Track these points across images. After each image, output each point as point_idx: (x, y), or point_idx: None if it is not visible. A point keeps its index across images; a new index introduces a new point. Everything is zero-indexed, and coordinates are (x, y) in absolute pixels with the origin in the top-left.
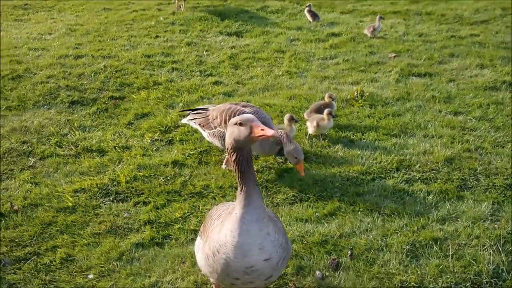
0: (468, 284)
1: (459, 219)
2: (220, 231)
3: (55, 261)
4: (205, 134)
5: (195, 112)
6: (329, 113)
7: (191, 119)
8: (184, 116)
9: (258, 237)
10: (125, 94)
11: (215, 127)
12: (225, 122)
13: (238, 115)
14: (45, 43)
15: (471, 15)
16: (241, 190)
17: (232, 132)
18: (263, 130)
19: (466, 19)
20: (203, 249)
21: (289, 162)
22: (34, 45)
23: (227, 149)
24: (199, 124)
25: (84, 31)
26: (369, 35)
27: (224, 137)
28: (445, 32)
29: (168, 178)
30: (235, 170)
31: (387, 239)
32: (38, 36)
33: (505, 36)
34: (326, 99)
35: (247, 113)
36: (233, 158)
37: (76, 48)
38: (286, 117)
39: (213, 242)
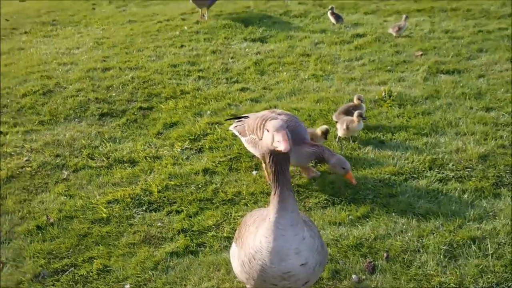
0: (510, 284)
1: (497, 217)
2: (255, 237)
3: (92, 272)
4: (243, 141)
5: (238, 119)
6: (360, 115)
7: (234, 127)
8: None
9: (293, 241)
10: (153, 104)
11: (249, 134)
12: (257, 129)
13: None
14: (73, 57)
15: (498, 8)
16: (274, 193)
17: (263, 137)
18: (278, 142)
19: (493, 13)
20: (239, 256)
21: (336, 173)
22: (63, 60)
23: (266, 152)
24: (238, 132)
25: (110, 44)
26: (394, 34)
27: (257, 145)
28: (472, 27)
29: (200, 186)
30: (270, 173)
31: (423, 240)
32: (67, 51)
33: None
34: (355, 101)
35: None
36: (268, 161)
37: (104, 61)
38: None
39: (248, 248)
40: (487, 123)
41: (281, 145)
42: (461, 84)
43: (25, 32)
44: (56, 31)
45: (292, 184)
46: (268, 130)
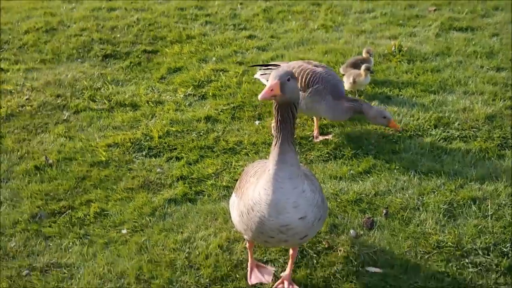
0: (508, 244)
1: (499, 179)
2: (255, 188)
3: (89, 215)
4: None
5: (266, 67)
6: (367, 69)
7: (262, 74)
8: (258, 70)
9: (292, 194)
10: (158, 48)
11: None
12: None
13: (310, 74)
14: None
15: None
16: (275, 144)
17: None
18: (264, 91)
19: None
20: (238, 206)
21: (379, 125)
22: None
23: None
24: (267, 80)
25: None
26: None
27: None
28: None
29: (201, 133)
30: (275, 122)
31: (424, 198)
32: None
33: None
34: (364, 54)
35: (319, 72)
36: (274, 109)
37: (110, 0)
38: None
39: (247, 199)
40: (497, 83)
41: (261, 93)
42: (473, 42)
43: None
44: None
45: (295, 136)
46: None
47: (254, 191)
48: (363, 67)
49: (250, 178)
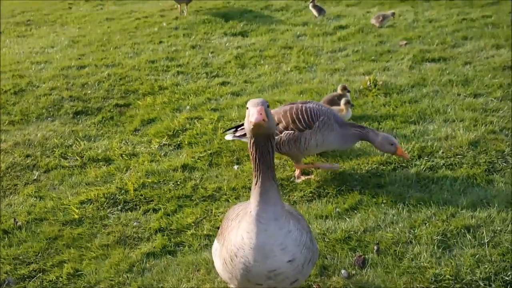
0: (509, 273)
1: (490, 204)
2: (237, 232)
3: (61, 277)
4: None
5: (242, 127)
6: (347, 103)
7: (242, 135)
8: (233, 133)
9: (278, 236)
10: (131, 101)
11: (281, 132)
12: (293, 122)
13: (309, 110)
14: (47, 56)
15: None
16: (255, 184)
17: (245, 118)
18: (252, 115)
19: (476, 2)
20: (221, 253)
21: (385, 152)
22: (37, 59)
23: (247, 136)
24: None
25: (87, 42)
26: (377, 25)
27: (297, 139)
28: (456, 15)
29: (178, 183)
30: (251, 160)
31: (415, 231)
32: (41, 50)
33: None
34: (339, 91)
35: (314, 106)
36: (249, 145)
37: (79, 59)
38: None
39: (230, 245)
40: (476, 109)
41: (253, 117)
42: (447, 72)
43: None
44: (31, 31)
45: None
46: (247, 108)
47: (236, 236)
48: (343, 101)
49: (231, 222)
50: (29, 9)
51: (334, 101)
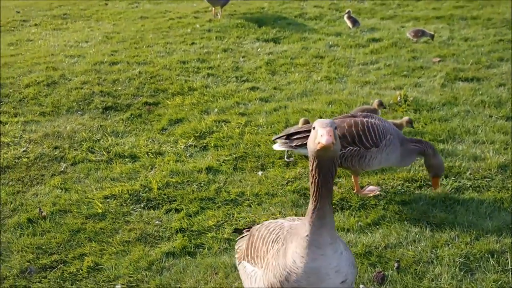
0: None
1: None
2: (286, 255)
3: (82, 270)
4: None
5: (298, 136)
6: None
7: (299, 145)
8: (285, 141)
9: (333, 259)
10: (160, 100)
11: (345, 148)
12: (359, 139)
13: (376, 127)
14: (81, 50)
15: None
16: (314, 208)
17: (309, 136)
18: (321, 136)
19: None
20: (265, 278)
21: (427, 172)
22: (71, 52)
23: (309, 156)
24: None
25: (120, 39)
26: (414, 39)
27: (362, 156)
28: (493, 36)
29: (202, 184)
30: (311, 182)
31: (438, 251)
32: (75, 44)
33: None
34: (375, 106)
35: (379, 123)
36: (311, 168)
37: (112, 55)
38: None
39: (278, 269)
40: (507, 132)
41: (323, 138)
42: (480, 92)
43: (35, 25)
44: (67, 25)
45: (299, 186)
46: (313, 128)
47: (285, 259)
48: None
49: (273, 245)
50: (66, 3)
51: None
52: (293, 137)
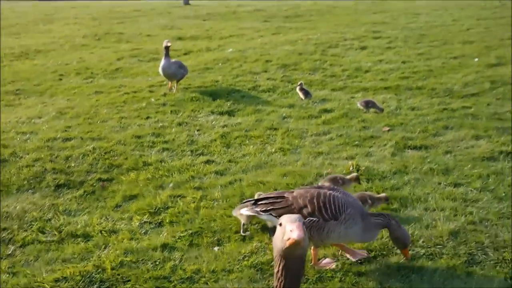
0: None
1: None
2: None
3: None
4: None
5: (264, 202)
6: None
7: (263, 211)
8: (249, 207)
9: None
10: (114, 176)
11: (305, 217)
12: (319, 211)
13: (338, 201)
14: (34, 126)
15: (461, 88)
16: None
17: (275, 234)
18: (291, 231)
19: (457, 93)
20: None
21: (395, 245)
22: (23, 129)
23: (274, 256)
24: (279, 215)
25: (74, 114)
26: (363, 109)
27: (320, 227)
28: (437, 105)
29: (157, 263)
30: (275, 286)
31: None
32: (27, 120)
33: (497, 108)
34: (351, 178)
35: (342, 197)
36: (277, 268)
37: (65, 131)
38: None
39: None
40: (456, 199)
41: (294, 233)
42: (428, 160)
43: None
44: (19, 101)
45: (256, 261)
46: (280, 224)
47: None
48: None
49: None
50: (19, 78)
51: (336, 181)
52: (259, 203)
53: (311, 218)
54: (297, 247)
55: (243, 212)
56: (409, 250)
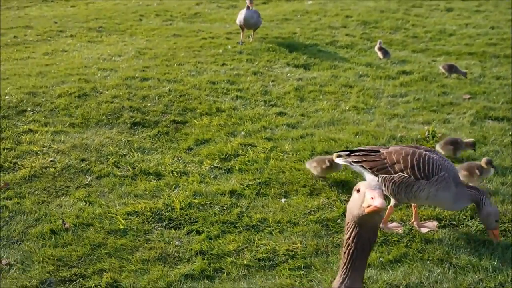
0: None
1: None
2: None
3: (100, 286)
4: (374, 179)
5: (358, 154)
6: (489, 163)
7: (356, 162)
8: (342, 156)
9: None
10: (187, 119)
11: (396, 173)
12: (412, 168)
13: (432, 161)
14: (114, 64)
15: None
16: (342, 282)
17: (351, 199)
18: (372, 198)
19: None
20: None
21: (482, 224)
22: (104, 66)
23: (346, 223)
24: (370, 168)
25: (152, 55)
26: (445, 73)
27: (409, 184)
28: None
29: (224, 208)
30: (345, 252)
31: None
32: (108, 58)
33: None
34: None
35: (438, 159)
36: (348, 234)
37: (143, 70)
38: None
39: None
40: None
41: (377, 201)
42: (510, 133)
43: (71, 36)
44: (101, 38)
45: (322, 217)
46: (358, 190)
47: None
48: (484, 160)
49: None
50: (102, 16)
51: (458, 143)
52: (353, 154)
53: (402, 174)
54: (377, 215)
55: (337, 160)
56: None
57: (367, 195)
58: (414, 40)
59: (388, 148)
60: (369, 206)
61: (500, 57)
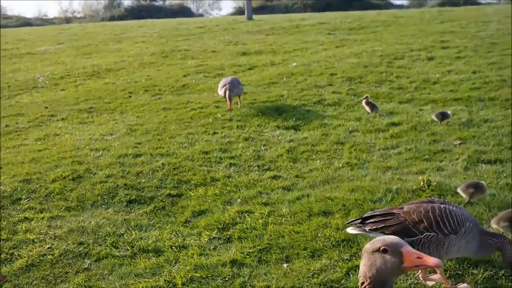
0: None
1: None
2: None
3: None
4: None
5: (373, 220)
6: None
7: (374, 229)
8: (355, 226)
9: None
10: (183, 191)
11: (421, 233)
12: (437, 225)
13: (454, 215)
14: (106, 143)
15: None
16: None
17: (373, 262)
18: (419, 258)
19: None
20: None
21: (506, 268)
22: (96, 146)
23: (361, 283)
24: (393, 233)
25: (143, 131)
26: (437, 121)
27: (440, 242)
28: None
29: (227, 279)
30: None
31: None
32: (100, 137)
33: None
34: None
35: (458, 211)
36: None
37: (136, 147)
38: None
39: None
40: None
41: (428, 260)
42: (504, 174)
43: (62, 119)
44: (92, 118)
45: (324, 280)
46: (385, 251)
47: None
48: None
49: None
50: (92, 97)
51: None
52: (367, 221)
53: (429, 233)
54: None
55: (349, 231)
56: None
57: (411, 253)
58: (399, 91)
59: (402, 207)
60: (417, 266)
61: (485, 100)
